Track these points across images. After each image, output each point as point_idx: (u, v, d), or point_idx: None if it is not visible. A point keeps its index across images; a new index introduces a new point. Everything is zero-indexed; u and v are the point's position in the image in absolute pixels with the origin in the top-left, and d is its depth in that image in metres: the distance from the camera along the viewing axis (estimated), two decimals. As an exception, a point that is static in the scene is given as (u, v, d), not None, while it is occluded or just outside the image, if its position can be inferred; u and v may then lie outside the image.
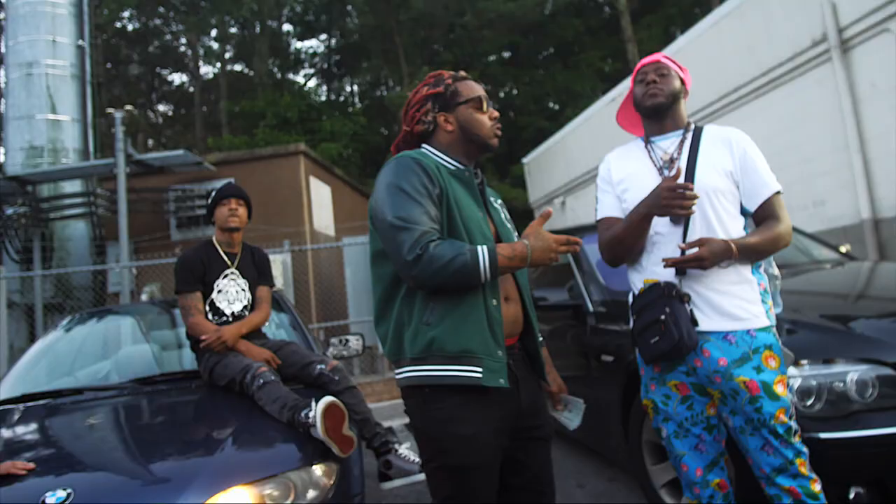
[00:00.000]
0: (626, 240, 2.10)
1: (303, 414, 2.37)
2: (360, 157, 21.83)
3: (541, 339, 1.95)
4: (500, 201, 2.05)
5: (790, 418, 1.94)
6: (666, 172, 2.14)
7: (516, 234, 1.98)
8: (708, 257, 1.93)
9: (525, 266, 1.75)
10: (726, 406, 2.01)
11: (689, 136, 2.19)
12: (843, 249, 4.19)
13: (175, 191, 11.03)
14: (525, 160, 17.13)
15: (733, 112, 8.85)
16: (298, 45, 29.65)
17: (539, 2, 21.03)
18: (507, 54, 26.52)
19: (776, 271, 2.20)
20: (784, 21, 7.64)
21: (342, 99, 29.72)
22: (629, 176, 2.20)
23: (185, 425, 2.67)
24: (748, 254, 2.02)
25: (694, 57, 9.65)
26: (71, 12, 10.88)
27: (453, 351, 1.68)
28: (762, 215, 2.11)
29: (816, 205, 7.53)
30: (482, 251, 1.68)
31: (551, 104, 25.01)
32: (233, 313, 3.08)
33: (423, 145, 1.90)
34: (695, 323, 2.00)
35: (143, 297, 9.24)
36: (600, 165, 2.35)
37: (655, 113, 2.19)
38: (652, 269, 2.10)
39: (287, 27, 28.60)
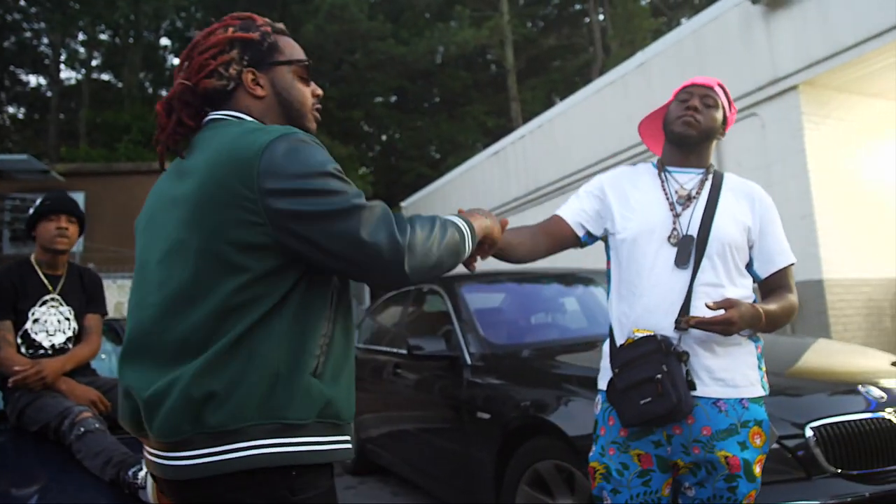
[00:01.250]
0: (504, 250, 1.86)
1: (131, 473, 1.96)
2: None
3: None
4: None
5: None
6: (679, 209, 1.90)
7: None
8: (738, 322, 1.67)
9: (496, 243, 1.53)
10: (695, 476, 1.78)
11: (710, 178, 1.94)
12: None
13: (13, 199, 9.93)
14: (404, 204, 17.12)
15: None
16: (176, 61, 28.36)
17: (430, 50, 21.40)
18: (393, 98, 26.71)
19: (761, 338, 2.01)
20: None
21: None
22: (636, 204, 1.94)
23: None
24: (769, 323, 1.80)
25: (576, 119, 10.08)
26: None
27: (347, 418, 1.24)
28: (774, 284, 1.91)
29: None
30: (459, 220, 1.33)
31: (433, 152, 25.36)
32: (53, 346, 2.60)
33: (213, 112, 1.31)
34: (692, 387, 1.74)
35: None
36: (598, 176, 2.10)
37: (682, 142, 1.93)
38: (646, 318, 1.82)
39: (165, 41, 27.33)
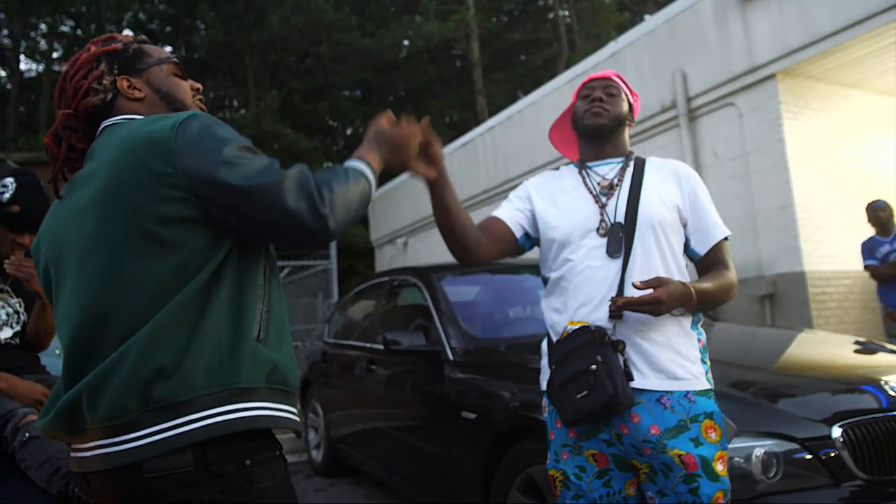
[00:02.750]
0: (439, 221, 1.80)
1: None
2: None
3: None
4: None
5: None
6: (604, 199, 1.83)
7: None
8: (666, 301, 1.60)
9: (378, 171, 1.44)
10: (654, 484, 1.66)
11: (632, 164, 1.90)
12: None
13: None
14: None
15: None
16: (139, 53, 27.70)
17: (395, 42, 21.17)
18: (358, 92, 26.43)
19: (703, 332, 1.91)
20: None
21: (181, 116, 28.05)
22: (562, 203, 1.89)
23: None
24: (702, 302, 1.72)
25: (549, 109, 9.95)
26: None
27: (294, 385, 1.26)
28: (710, 261, 1.84)
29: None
30: (362, 165, 1.33)
31: (400, 146, 25.17)
32: None
33: (105, 121, 1.34)
34: (629, 378, 1.65)
35: None
36: (521, 184, 2.03)
37: (596, 135, 1.91)
38: (578, 310, 1.75)
39: (127, 33, 26.59)
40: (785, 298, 6.38)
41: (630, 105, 1.98)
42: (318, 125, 25.17)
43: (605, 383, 1.60)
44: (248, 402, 1.15)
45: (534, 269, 4.15)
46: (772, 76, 6.54)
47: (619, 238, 1.77)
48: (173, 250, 1.14)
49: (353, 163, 1.34)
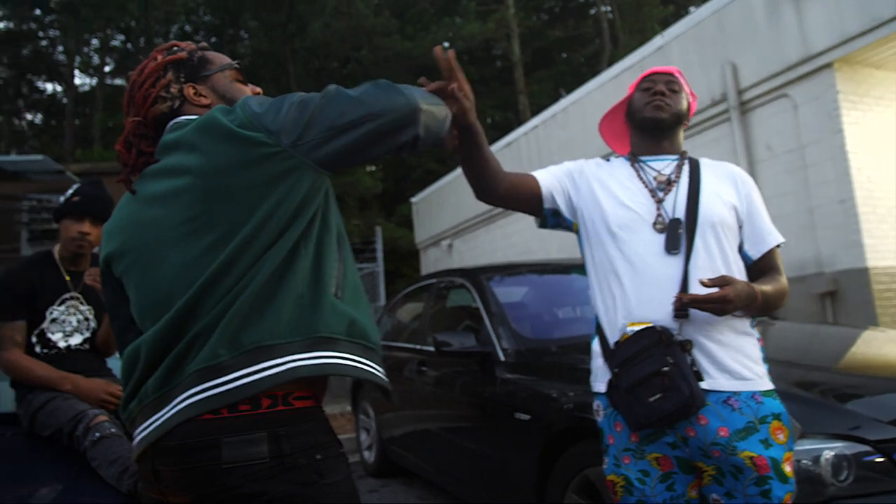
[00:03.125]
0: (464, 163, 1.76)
1: None
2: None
3: None
4: None
5: None
6: (661, 194, 1.80)
7: None
8: (734, 300, 1.56)
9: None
10: (721, 486, 1.62)
11: (687, 162, 1.87)
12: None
13: (30, 200, 9.92)
14: (414, 200, 16.92)
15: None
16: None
17: (436, 44, 21.07)
18: (400, 94, 26.62)
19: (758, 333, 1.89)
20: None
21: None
22: (616, 193, 1.84)
23: None
24: (763, 304, 1.69)
25: (594, 107, 9.84)
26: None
27: (375, 342, 1.29)
28: (765, 266, 1.81)
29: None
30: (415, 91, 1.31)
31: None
32: (69, 347, 2.44)
33: (172, 122, 1.41)
34: (699, 378, 1.61)
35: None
36: (579, 161, 1.99)
37: (654, 129, 1.87)
38: (640, 310, 1.70)
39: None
40: (847, 296, 6.15)
41: (688, 104, 1.93)
42: (362, 129, 25.44)
43: (679, 386, 1.57)
44: (330, 350, 1.19)
45: (582, 268, 4.13)
46: (828, 65, 6.30)
47: (679, 235, 1.72)
48: (276, 206, 1.19)
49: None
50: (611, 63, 12.94)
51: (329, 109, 1.19)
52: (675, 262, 1.71)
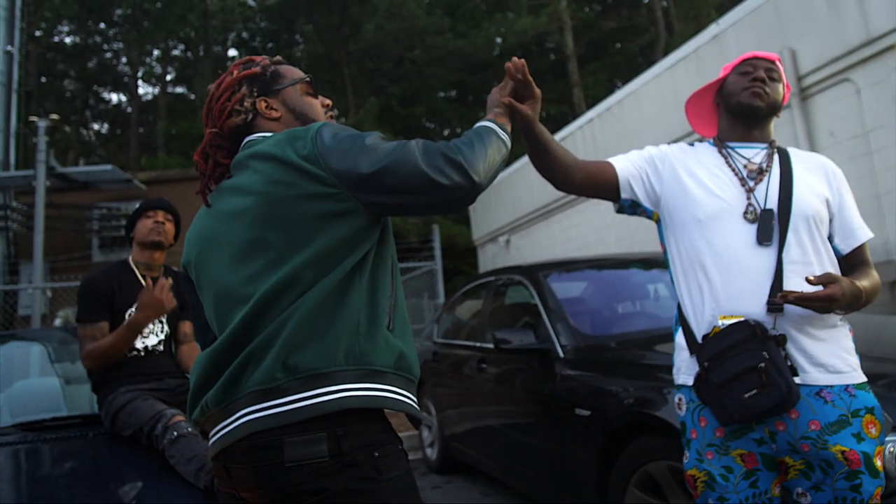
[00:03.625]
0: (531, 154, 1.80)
1: None
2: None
3: None
4: None
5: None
6: (751, 184, 1.76)
7: None
8: (840, 299, 1.54)
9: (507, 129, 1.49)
10: (809, 480, 1.60)
11: (776, 152, 1.82)
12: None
13: (100, 208, 10.38)
14: (471, 196, 16.97)
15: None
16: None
17: (488, 41, 21.17)
18: (454, 92, 26.63)
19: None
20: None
21: (286, 127, 29.31)
22: (704, 180, 1.80)
23: (73, 487, 2.13)
24: (867, 302, 1.67)
25: (649, 98, 9.70)
26: (2, 16, 10.17)
27: (417, 374, 1.36)
28: (856, 260, 1.78)
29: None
30: (486, 122, 1.43)
31: (497, 143, 25.20)
32: (146, 347, 2.58)
33: (247, 138, 1.48)
34: (794, 373, 1.58)
35: (57, 322, 8.53)
36: (662, 147, 1.95)
37: (750, 115, 1.81)
38: (731, 303, 1.67)
39: (233, 52, 28.11)
40: (919, 287, 5.92)
41: (783, 94, 1.87)
42: (416, 128, 25.60)
43: (777, 381, 1.54)
44: (379, 383, 1.25)
45: (641, 263, 4.11)
46: (891, 47, 6.04)
47: (772, 226, 1.69)
48: (330, 240, 1.25)
49: (480, 123, 1.43)
50: (666, 52, 12.67)
51: (397, 170, 1.22)
52: (768, 254, 1.67)
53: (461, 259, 18.43)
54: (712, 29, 8.72)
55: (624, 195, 1.86)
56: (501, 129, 1.41)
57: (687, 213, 1.78)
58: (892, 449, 1.88)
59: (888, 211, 6.10)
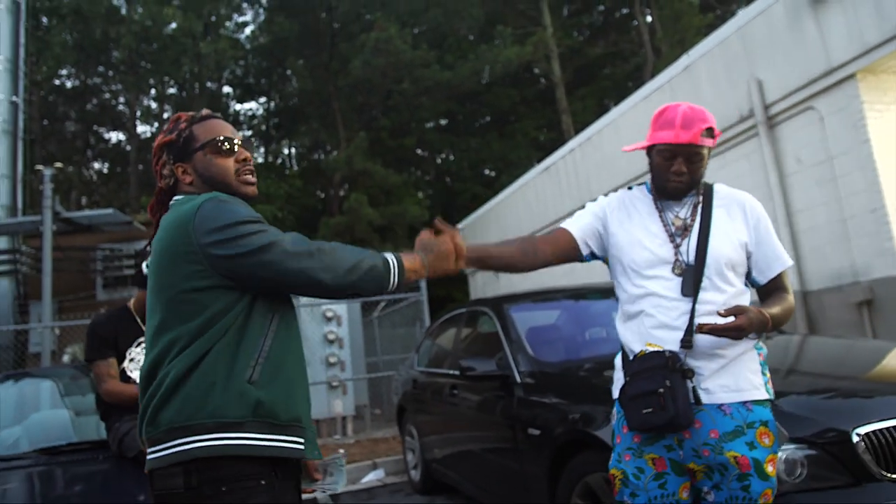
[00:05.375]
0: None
1: None
2: (294, 220, 21.68)
3: None
4: None
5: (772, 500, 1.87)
6: (678, 240, 2.04)
7: None
8: (747, 328, 1.82)
9: (426, 276, 1.65)
10: (710, 480, 1.91)
11: (702, 198, 2.09)
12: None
13: (103, 250, 10.75)
14: (460, 225, 17.25)
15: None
16: (237, 107, 29.56)
17: (476, 71, 21.58)
18: (444, 121, 27.03)
19: (764, 347, 2.11)
20: (713, 96, 8.00)
21: (279, 161, 29.63)
22: (638, 233, 2.08)
23: (87, 500, 2.58)
24: (774, 326, 1.94)
25: (626, 127, 10.04)
26: (6, 68, 10.68)
27: (283, 419, 1.49)
28: (772, 287, 2.06)
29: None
30: (391, 256, 1.57)
31: (487, 171, 25.53)
32: None
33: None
34: (697, 402, 1.89)
35: (65, 359, 8.85)
36: (602, 198, 2.24)
37: (675, 196, 2.09)
38: (655, 334, 1.98)
39: (227, 89, 28.58)
40: (884, 304, 6.11)
41: (711, 147, 2.06)
42: (407, 158, 25.93)
43: (668, 406, 1.83)
44: (233, 432, 1.43)
45: (599, 292, 4.39)
46: (851, 76, 6.30)
47: (692, 279, 1.97)
48: (203, 311, 1.46)
49: (384, 253, 1.59)
50: (654, 74, 12.96)
51: (263, 258, 1.44)
52: (687, 300, 1.96)
53: (455, 287, 18.63)
54: (683, 60, 9.05)
55: (585, 252, 2.17)
56: (397, 262, 1.56)
57: (627, 262, 2.08)
58: (782, 457, 2.19)
59: (854, 234, 6.32)
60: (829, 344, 3.81)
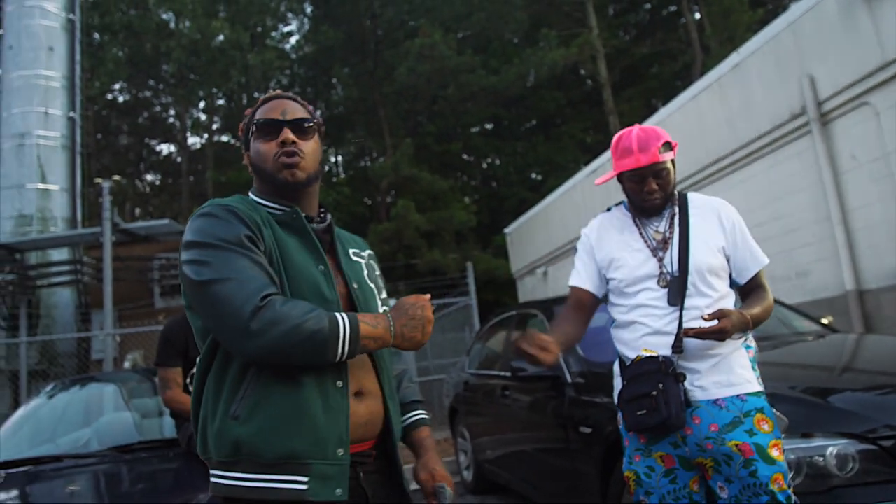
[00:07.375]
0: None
1: None
2: (343, 227, 21.92)
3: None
4: (367, 252, 1.70)
5: (789, 487, 1.92)
6: (660, 254, 2.15)
7: (383, 296, 1.61)
8: (730, 330, 1.94)
9: (390, 344, 1.39)
10: (720, 475, 1.98)
11: (677, 209, 2.21)
12: (825, 321, 4.16)
13: (160, 259, 11.14)
14: (507, 230, 17.27)
15: (714, 183, 9.02)
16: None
17: (521, 75, 21.50)
18: (489, 126, 27.04)
19: (753, 344, 2.21)
20: (763, 94, 7.88)
21: (327, 169, 30.09)
22: (622, 252, 2.19)
23: (162, 493, 2.75)
24: (754, 325, 2.05)
25: (674, 128, 9.87)
26: (63, 85, 11.17)
27: (269, 457, 1.30)
28: (752, 285, 2.18)
29: (799, 276, 7.56)
30: (342, 318, 1.32)
31: (533, 175, 25.43)
32: None
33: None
34: (688, 404, 1.99)
35: (126, 365, 9.21)
36: (583, 232, 2.36)
37: (653, 213, 2.20)
38: (647, 341, 2.09)
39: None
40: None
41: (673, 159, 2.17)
42: (453, 164, 26.03)
43: (661, 408, 1.95)
44: (229, 472, 1.33)
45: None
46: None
47: (677, 289, 2.08)
48: (205, 335, 1.41)
49: (345, 313, 1.36)
50: (703, 72, 12.71)
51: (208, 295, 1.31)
52: (675, 309, 2.08)
53: (503, 291, 18.64)
54: (733, 58, 8.90)
55: (601, 295, 2.29)
56: (350, 324, 1.33)
57: (616, 283, 2.19)
58: (833, 451, 2.24)
59: (911, 231, 6.22)
60: (885, 342, 3.76)
